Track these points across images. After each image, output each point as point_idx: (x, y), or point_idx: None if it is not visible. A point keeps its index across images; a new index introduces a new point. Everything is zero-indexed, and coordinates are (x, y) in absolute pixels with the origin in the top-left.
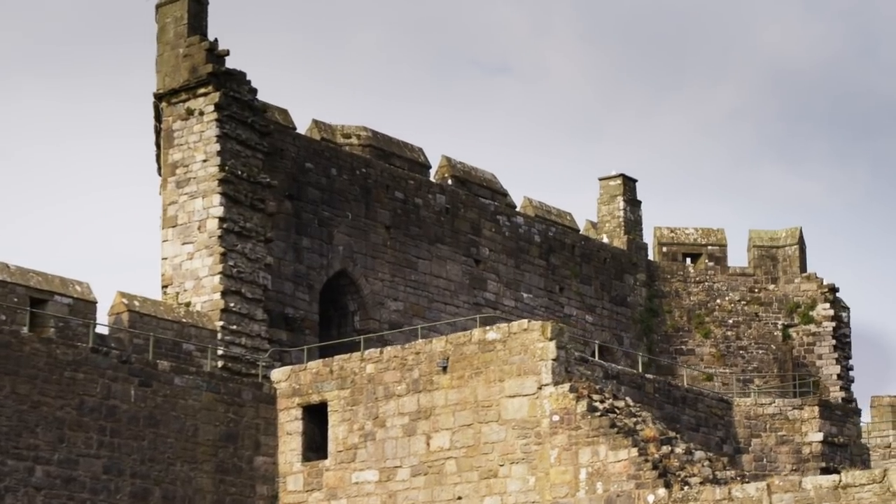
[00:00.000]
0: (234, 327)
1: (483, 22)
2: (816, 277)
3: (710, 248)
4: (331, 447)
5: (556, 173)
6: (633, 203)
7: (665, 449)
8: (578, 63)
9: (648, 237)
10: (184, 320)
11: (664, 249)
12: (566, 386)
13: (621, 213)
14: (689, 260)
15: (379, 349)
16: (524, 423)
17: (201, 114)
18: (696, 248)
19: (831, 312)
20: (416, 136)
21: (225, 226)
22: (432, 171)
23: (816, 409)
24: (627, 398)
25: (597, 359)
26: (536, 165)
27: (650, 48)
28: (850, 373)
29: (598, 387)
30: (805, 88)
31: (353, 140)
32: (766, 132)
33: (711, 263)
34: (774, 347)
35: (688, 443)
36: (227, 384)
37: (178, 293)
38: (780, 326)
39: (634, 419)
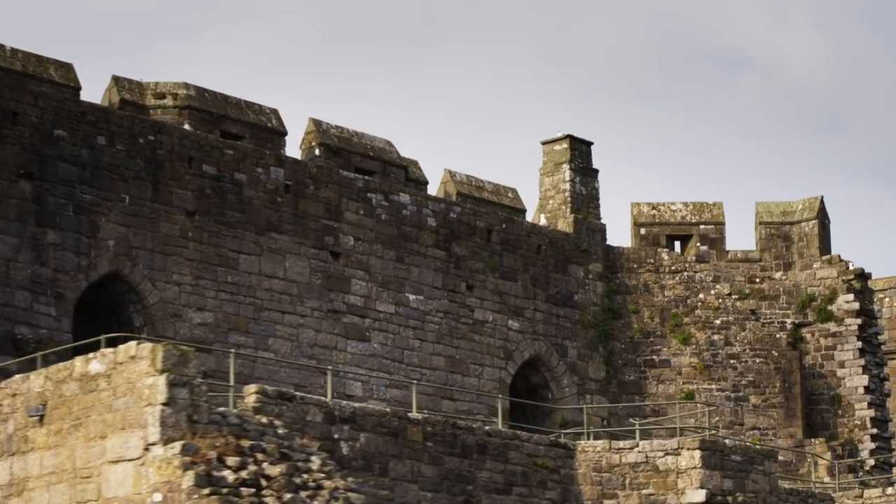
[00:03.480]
0: None
1: (720, 16)
2: (840, 260)
3: (702, 227)
4: None
5: (791, 168)
6: (584, 173)
7: None
8: (818, 54)
9: (622, 217)
10: None
11: (643, 231)
12: (176, 446)
13: (567, 187)
14: (677, 244)
15: None
16: None
17: None
18: (684, 227)
19: (856, 306)
20: (652, 134)
21: None
22: (295, 140)
23: (698, 453)
24: (315, 457)
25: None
26: (770, 159)
27: (891, 37)
28: (885, 383)
29: (248, 445)
30: None
31: (168, 101)
32: None
33: (705, 247)
34: (777, 354)
35: None
36: None
37: None
38: (788, 326)
39: (293, 494)
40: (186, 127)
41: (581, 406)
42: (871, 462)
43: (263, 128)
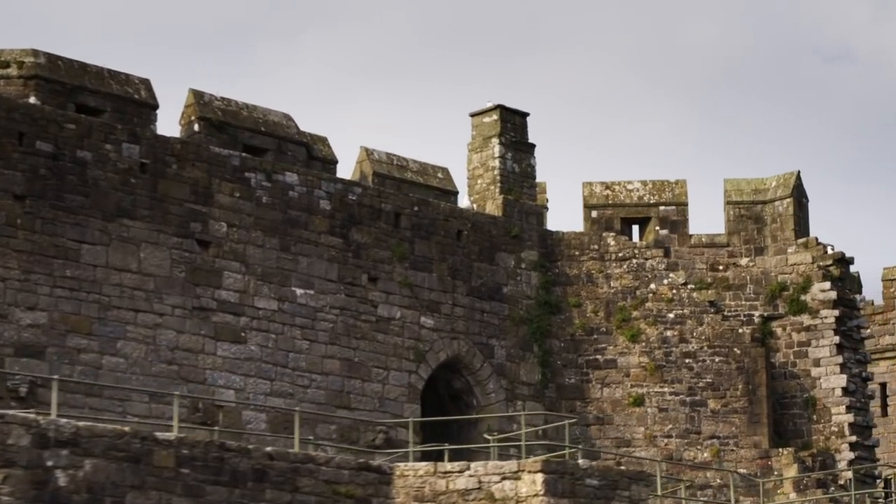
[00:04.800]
0: None
1: (822, 9)
2: (817, 244)
3: (662, 208)
4: None
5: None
6: (518, 148)
7: None
8: None
9: (573, 197)
10: None
11: (594, 214)
12: None
13: (496, 164)
14: (635, 228)
15: None
16: None
17: None
18: (641, 209)
19: (833, 295)
20: (755, 131)
21: None
22: (173, 114)
23: (540, 476)
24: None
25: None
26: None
27: None
28: (868, 384)
29: None
30: None
31: (13, 70)
32: None
33: (665, 231)
34: (739, 352)
35: None
36: None
37: None
38: (755, 319)
39: None
40: (32, 100)
41: (511, 414)
42: (849, 475)
43: (129, 100)
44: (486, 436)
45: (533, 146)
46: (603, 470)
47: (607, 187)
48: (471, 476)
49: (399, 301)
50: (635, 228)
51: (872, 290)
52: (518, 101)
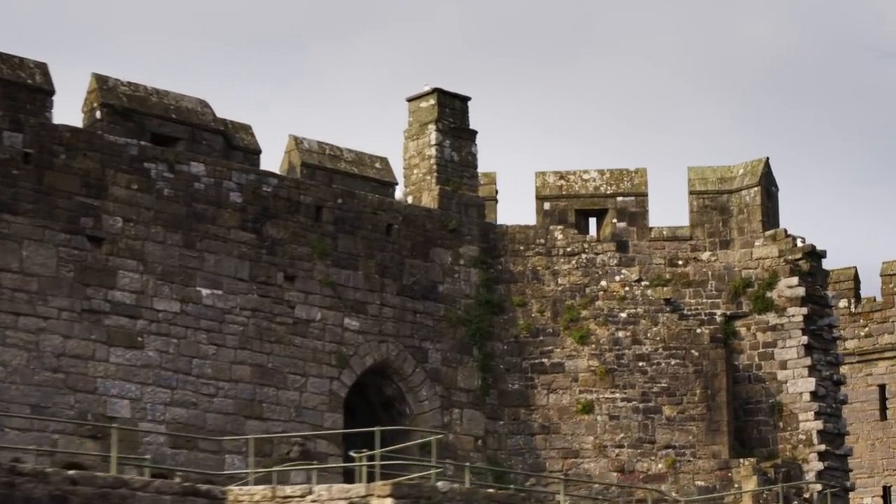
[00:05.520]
0: None
1: (877, 5)
2: (786, 236)
3: (620, 199)
4: None
5: None
6: (457, 134)
7: None
8: None
9: (524, 188)
10: None
11: (546, 206)
12: None
13: (433, 152)
14: (592, 221)
15: None
16: None
17: None
18: (597, 200)
19: (801, 292)
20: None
21: None
22: (73, 100)
23: (389, 501)
24: None
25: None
26: None
27: None
28: (840, 388)
29: None
30: None
31: None
32: None
33: (623, 224)
34: (697, 354)
35: None
36: None
37: None
38: (718, 318)
39: None
40: None
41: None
42: (818, 487)
43: (22, 85)
44: (352, 453)
45: (474, 133)
46: (467, 493)
47: (561, 177)
48: (313, 501)
49: (320, 301)
50: (592, 221)
51: (873, 287)
52: (567, 106)
